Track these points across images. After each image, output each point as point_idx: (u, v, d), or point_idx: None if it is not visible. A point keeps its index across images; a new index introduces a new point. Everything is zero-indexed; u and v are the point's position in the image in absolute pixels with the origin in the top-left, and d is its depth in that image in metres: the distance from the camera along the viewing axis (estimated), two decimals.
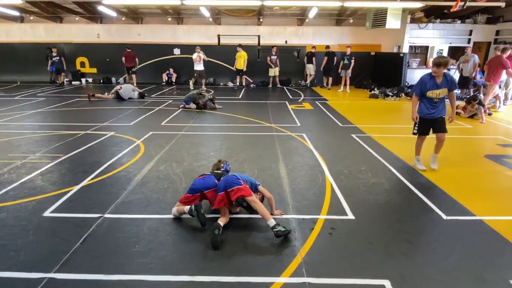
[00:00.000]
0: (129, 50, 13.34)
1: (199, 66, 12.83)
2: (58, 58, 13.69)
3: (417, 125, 4.65)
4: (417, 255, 2.78)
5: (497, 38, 12.76)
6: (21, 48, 14.69)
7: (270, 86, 14.27)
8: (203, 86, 13.07)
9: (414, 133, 4.73)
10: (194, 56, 12.62)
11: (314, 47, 13.85)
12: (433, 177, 4.44)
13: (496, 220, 3.34)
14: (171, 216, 3.37)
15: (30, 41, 14.84)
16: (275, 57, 13.55)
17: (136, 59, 13.43)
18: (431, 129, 4.63)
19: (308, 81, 14.41)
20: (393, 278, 2.49)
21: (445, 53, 12.85)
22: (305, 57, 14.12)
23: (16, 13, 13.87)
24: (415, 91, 4.55)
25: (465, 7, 8.51)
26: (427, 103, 4.47)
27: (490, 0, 9.46)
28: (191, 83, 13.57)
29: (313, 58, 13.79)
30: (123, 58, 13.35)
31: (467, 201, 3.76)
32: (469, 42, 12.96)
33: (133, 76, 13.64)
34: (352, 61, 12.60)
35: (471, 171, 4.79)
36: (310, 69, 14.06)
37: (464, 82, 10.72)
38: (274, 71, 13.82)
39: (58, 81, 14.24)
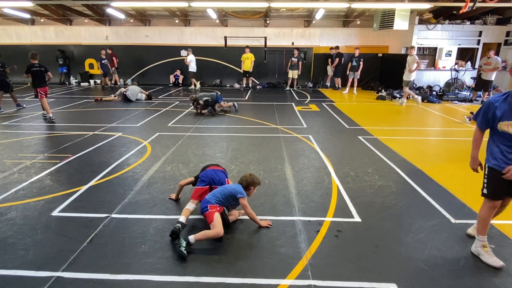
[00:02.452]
0: (111, 51, 13.81)
1: (190, 67, 13.42)
2: (106, 60, 13.58)
3: (485, 179, 2.79)
4: (425, 259, 2.74)
5: (508, 39, 12.57)
6: (32, 50, 14.90)
7: (287, 88, 14.14)
8: (192, 87, 13.93)
9: (483, 194, 2.82)
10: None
11: (332, 48, 13.78)
12: (441, 180, 4.38)
13: (506, 224, 3.28)
14: (177, 216, 3.37)
15: (40, 43, 15.08)
16: (296, 59, 13.45)
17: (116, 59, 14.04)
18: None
19: (327, 83, 14.46)
20: (400, 282, 2.46)
21: (453, 55, 12.70)
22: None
23: (27, 16, 14.13)
24: (477, 122, 2.81)
25: (474, 7, 8.41)
26: (501, 144, 2.64)
27: (501, 0, 9.32)
28: (198, 84, 13.87)
29: (329, 60, 13.87)
30: (114, 59, 13.84)
31: (476, 204, 3.68)
32: (478, 43, 12.79)
33: (116, 75, 14.23)
34: (361, 62, 12.45)
35: (480, 174, 4.70)
36: (328, 70, 14.12)
37: (483, 85, 10.50)
38: (293, 73, 13.75)
39: (103, 84, 14.25)
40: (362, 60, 12.47)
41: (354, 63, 12.58)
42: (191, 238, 2.82)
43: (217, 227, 2.90)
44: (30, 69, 7.51)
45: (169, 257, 2.73)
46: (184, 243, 2.75)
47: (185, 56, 13.36)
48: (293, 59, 13.49)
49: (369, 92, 13.48)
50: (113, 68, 14.07)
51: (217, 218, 2.97)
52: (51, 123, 7.44)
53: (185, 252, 2.72)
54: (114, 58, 13.84)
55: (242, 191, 3.20)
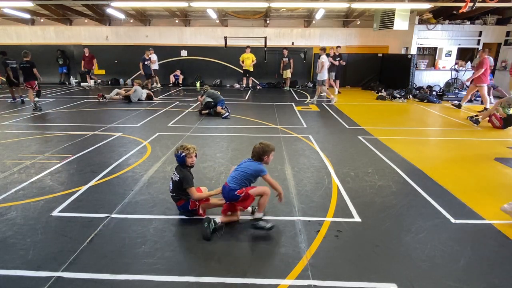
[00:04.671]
0: (88, 51, 13.59)
1: (154, 66, 13.50)
2: (149, 61, 12.99)
3: None
4: (424, 258, 2.74)
5: (508, 39, 12.57)
6: (32, 50, 14.76)
7: (287, 88, 14.16)
8: (155, 84, 13.98)
9: None
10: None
11: (322, 48, 13.60)
12: (441, 180, 4.38)
13: (506, 225, 3.27)
14: (177, 216, 3.39)
15: (40, 43, 15.09)
16: (286, 59, 13.52)
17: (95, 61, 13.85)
18: None
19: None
20: (400, 282, 2.46)
21: (453, 55, 12.71)
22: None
23: (27, 16, 14.13)
24: None
25: (474, 7, 8.41)
26: None
27: (501, 0, 9.33)
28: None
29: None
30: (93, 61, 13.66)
31: (476, 204, 3.71)
32: (478, 43, 12.79)
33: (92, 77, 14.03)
34: (337, 62, 12.25)
35: (480, 174, 4.72)
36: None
37: None
38: (286, 73, 13.81)
39: (148, 86, 12.92)
40: (337, 59, 12.31)
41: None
42: (259, 214, 3.10)
43: (260, 189, 3.11)
44: (20, 65, 9.29)
45: (169, 257, 2.73)
46: (213, 225, 3.00)
47: (152, 56, 13.40)
48: (284, 59, 13.54)
49: (369, 92, 13.48)
50: (92, 70, 13.83)
51: (254, 190, 3.12)
52: (38, 111, 8.83)
53: (210, 231, 2.98)
54: (93, 59, 13.63)
55: (263, 168, 3.18)
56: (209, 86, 10.09)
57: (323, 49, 10.48)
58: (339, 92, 12.81)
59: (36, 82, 9.21)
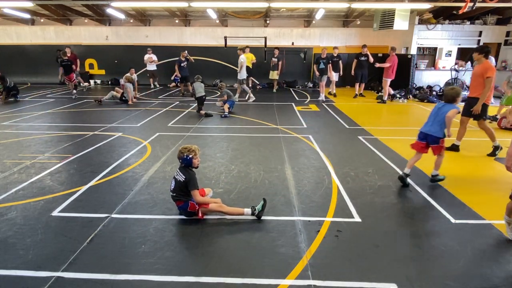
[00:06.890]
0: (70, 51, 12.93)
1: (151, 67, 13.66)
2: (186, 63, 11.74)
3: None
4: (424, 259, 2.75)
5: (508, 39, 12.57)
6: (32, 50, 14.95)
7: (274, 90, 13.60)
8: (156, 84, 14.20)
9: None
10: (146, 57, 13.52)
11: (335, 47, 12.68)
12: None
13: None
14: (177, 216, 3.39)
15: (40, 43, 15.09)
16: (276, 59, 12.78)
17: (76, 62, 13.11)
18: None
19: (321, 90, 13.88)
20: (400, 282, 2.46)
21: (453, 55, 12.70)
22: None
23: (27, 16, 14.13)
24: None
25: (474, 7, 8.41)
26: None
27: (501, 0, 9.33)
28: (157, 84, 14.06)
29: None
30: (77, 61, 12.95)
31: (476, 204, 3.71)
32: (478, 43, 12.78)
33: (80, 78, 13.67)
34: (330, 65, 11.48)
35: (480, 174, 4.72)
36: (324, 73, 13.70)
37: None
38: (272, 74, 13.13)
39: (183, 91, 12.32)
40: (330, 62, 11.53)
41: (322, 66, 11.10)
42: (436, 172, 4.21)
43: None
44: (61, 63, 10.95)
45: (169, 257, 2.73)
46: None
47: (149, 58, 13.50)
48: (273, 59, 12.77)
49: (369, 92, 13.47)
50: (77, 72, 13.31)
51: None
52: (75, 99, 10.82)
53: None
54: (77, 60, 13.03)
55: (457, 106, 3.93)
56: (208, 86, 10.12)
57: (242, 49, 10.98)
58: (362, 95, 12.22)
59: (74, 75, 11.21)
